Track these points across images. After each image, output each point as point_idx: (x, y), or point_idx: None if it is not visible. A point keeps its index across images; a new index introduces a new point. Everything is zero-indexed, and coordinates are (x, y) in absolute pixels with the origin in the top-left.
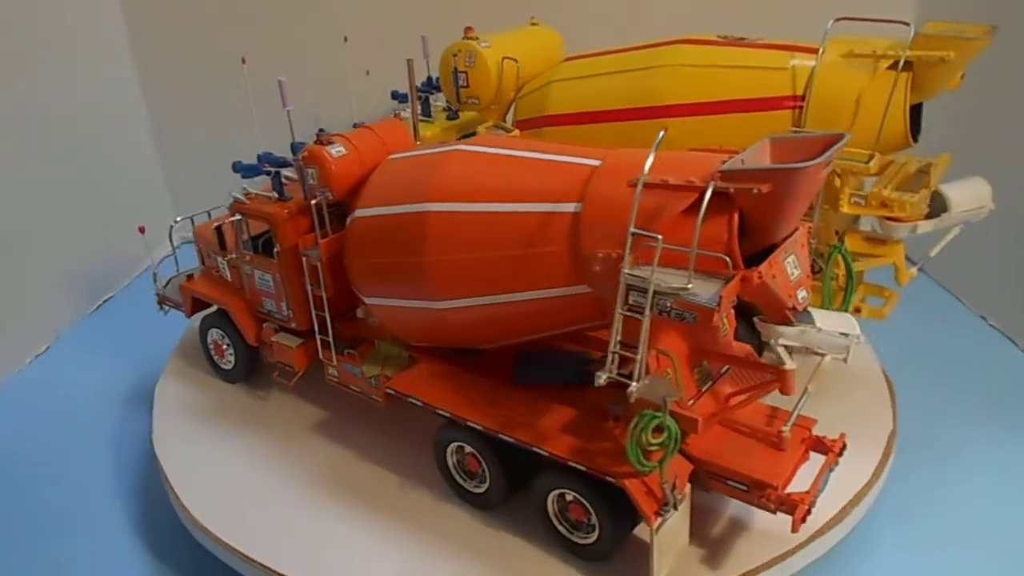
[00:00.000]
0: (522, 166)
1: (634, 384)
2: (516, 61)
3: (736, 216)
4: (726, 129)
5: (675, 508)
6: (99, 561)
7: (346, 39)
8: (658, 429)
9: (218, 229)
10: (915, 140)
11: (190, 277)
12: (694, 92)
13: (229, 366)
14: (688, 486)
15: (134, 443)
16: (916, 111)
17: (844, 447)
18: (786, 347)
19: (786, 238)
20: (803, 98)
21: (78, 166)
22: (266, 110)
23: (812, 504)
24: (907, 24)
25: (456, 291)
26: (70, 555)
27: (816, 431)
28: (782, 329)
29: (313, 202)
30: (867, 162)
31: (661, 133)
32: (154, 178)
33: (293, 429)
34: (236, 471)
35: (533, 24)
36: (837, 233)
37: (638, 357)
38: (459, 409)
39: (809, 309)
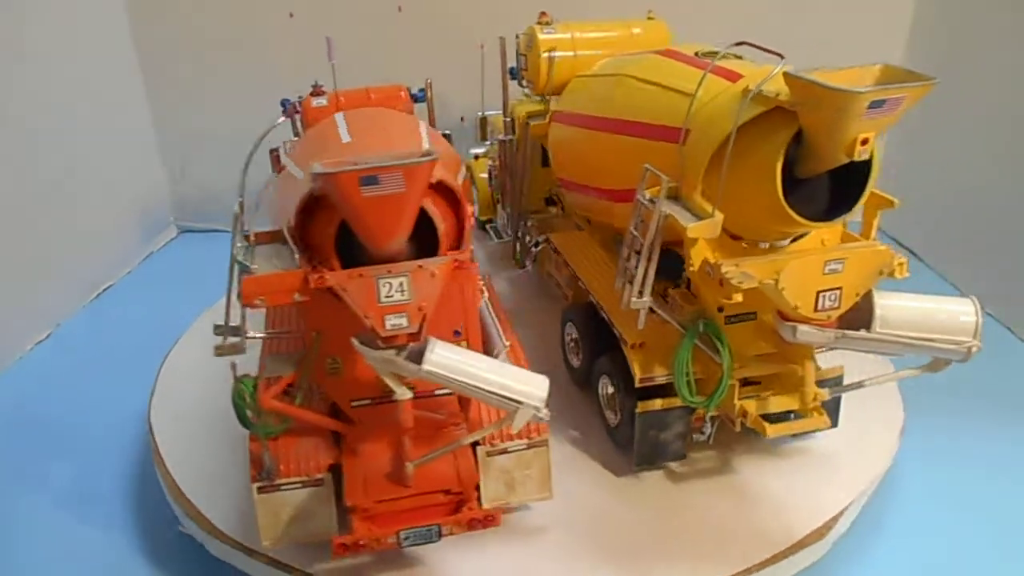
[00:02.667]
0: None
1: None
2: (552, 55)
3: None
4: (621, 152)
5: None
6: (93, 545)
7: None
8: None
9: None
10: (833, 217)
11: None
12: (625, 107)
13: None
14: (327, 475)
15: (134, 430)
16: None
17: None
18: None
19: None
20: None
21: (77, 153)
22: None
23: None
24: (780, 56)
25: None
26: (66, 536)
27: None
28: (364, 349)
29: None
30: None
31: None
32: (152, 164)
33: None
34: (236, 458)
35: (649, 18)
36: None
37: None
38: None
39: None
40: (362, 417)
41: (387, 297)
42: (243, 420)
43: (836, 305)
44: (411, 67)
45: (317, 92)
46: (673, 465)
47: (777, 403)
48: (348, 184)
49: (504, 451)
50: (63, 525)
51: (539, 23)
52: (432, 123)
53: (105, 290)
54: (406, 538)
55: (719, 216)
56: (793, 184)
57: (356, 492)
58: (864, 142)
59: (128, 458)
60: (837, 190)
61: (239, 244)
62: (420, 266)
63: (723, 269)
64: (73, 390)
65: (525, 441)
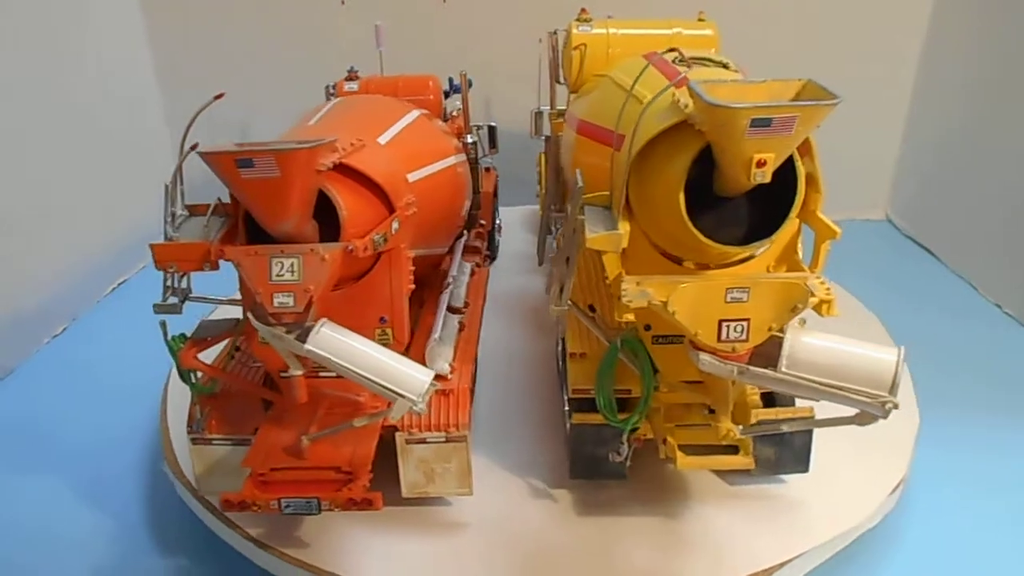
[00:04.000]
0: None
1: None
2: (580, 51)
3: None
4: (589, 156)
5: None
6: (104, 539)
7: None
8: None
9: None
10: (748, 243)
11: None
12: (598, 111)
13: None
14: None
15: (146, 425)
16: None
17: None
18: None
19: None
20: None
21: (91, 148)
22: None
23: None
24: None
25: None
26: (76, 529)
27: None
28: (257, 324)
29: None
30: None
31: None
32: (166, 158)
33: None
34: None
35: (700, 20)
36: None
37: None
38: None
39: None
40: (287, 388)
41: (278, 276)
42: (181, 375)
43: (743, 337)
44: (469, 58)
45: (351, 77)
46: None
47: (695, 435)
48: (225, 166)
49: (422, 441)
50: (73, 519)
51: (578, 19)
52: (466, 115)
53: (121, 284)
54: (287, 506)
55: (623, 229)
56: (714, 204)
57: (255, 456)
58: (761, 164)
59: (141, 453)
60: (764, 214)
61: (180, 212)
62: (312, 250)
63: (622, 285)
64: (88, 384)
65: (443, 434)
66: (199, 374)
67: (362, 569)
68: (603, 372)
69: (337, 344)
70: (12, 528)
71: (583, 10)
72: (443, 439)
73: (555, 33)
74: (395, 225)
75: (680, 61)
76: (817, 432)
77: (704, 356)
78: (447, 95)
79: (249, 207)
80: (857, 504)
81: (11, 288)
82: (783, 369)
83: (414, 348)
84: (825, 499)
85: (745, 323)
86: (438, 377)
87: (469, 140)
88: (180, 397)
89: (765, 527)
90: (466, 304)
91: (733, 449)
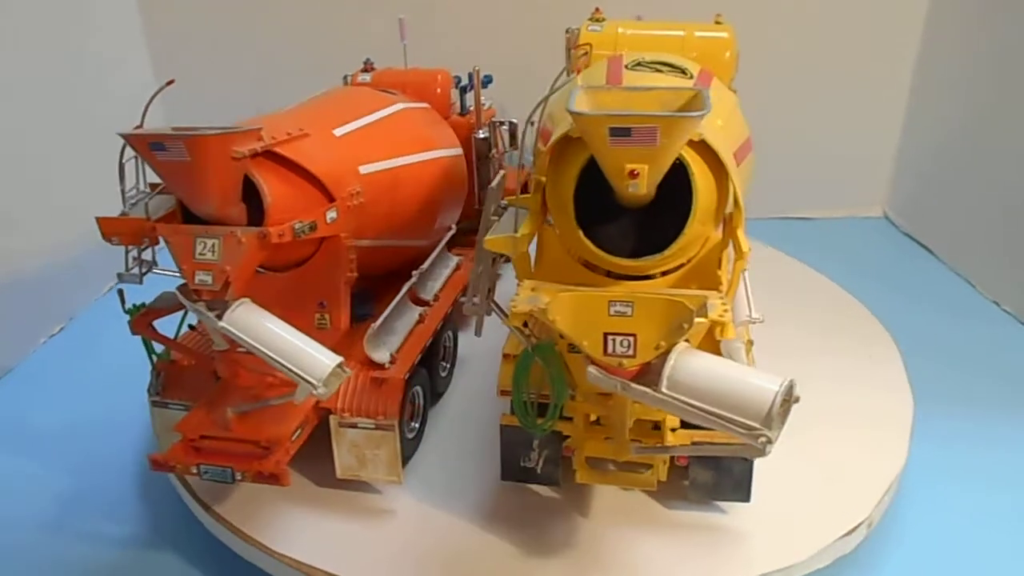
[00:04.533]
0: None
1: None
2: (586, 52)
3: None
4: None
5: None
6: (101, 538)
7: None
8: None
9: None
10: (640, 257)
11: None
12: (548, 112)
13: None
14: None
15: (143, 424)
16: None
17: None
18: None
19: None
20: None
21: (88, 147)
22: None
23: None
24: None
25: None
26: (76, 527)
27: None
28: (183, 299)
29: None
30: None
31: None
32: None
33: None
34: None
35: (717, 22)
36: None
37: None
38: None
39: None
40: (216, 362)
41: (200, 255)
42: (144, 343)
43: (629, 353)
44: (498, 54)
45: (366, 69)
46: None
47: (600, 448)
48: (140, 148)
49: (354, 425)
50: (70, 517)
51: (591, 18)
52: (477, 111)
53: (118, 285)
54: (205, 472)
55: (523, 232)
56: (618, 215)
57: (187, 423)
58: (633, 174)
59: (138, 451)
60: (666, 229)
61: (141, 190)
62: (232, 232)
63: (517, 289)
64: (85, 383)
65: (373, 421)
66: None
67: (288, 541)
68: (518, 376)
69: (250, 323)
70: (10, 524)
71: (596, 9)
72: (373, 426)
73: (569, 31)
74: (331, 214)
75: (637, 65)
76: (789, 455)
77: (591, 368)
78: (464, 91)
79: (170, 188)
80: (801, 543)
81: (9, 288)
82: (663, 389)
83: (361, 336)
84: (767, 533)
85: (631, 338)
86: (375, 366)
87: (481, 135)
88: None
89: (688, 556)
90: (436, 298)
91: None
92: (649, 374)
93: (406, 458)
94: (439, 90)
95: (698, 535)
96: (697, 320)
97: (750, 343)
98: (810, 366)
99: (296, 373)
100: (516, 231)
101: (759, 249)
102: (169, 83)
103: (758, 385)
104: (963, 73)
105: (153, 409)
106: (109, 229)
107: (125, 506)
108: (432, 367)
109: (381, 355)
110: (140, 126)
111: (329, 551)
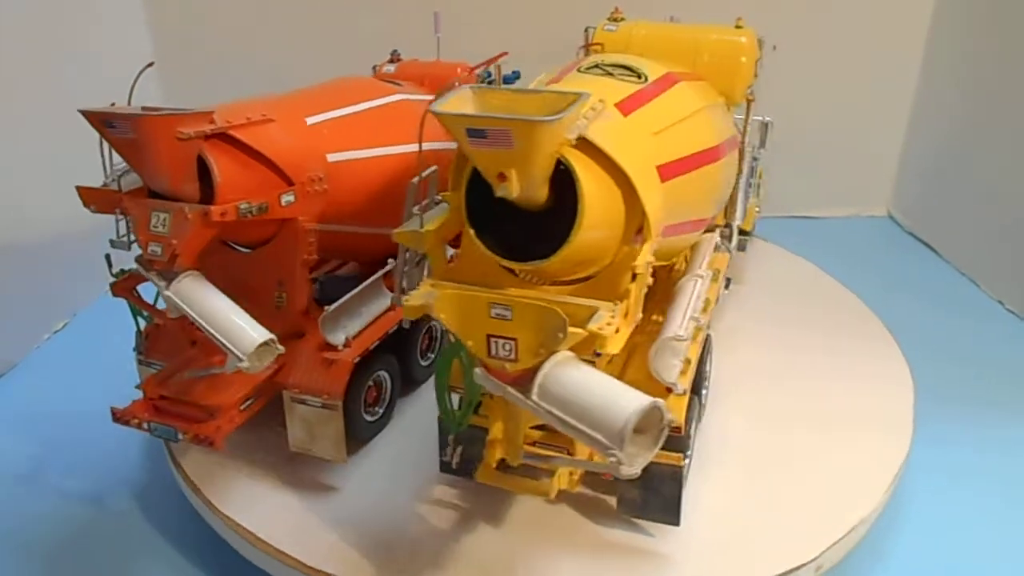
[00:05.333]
0: None
1: None
2: (597, 49)
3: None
4: None
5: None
6: (106, 534)
7: None
8: None
9: None
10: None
11: None
12: None
13: None
14: None
15: None
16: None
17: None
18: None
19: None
20: None
21: (92, 144)
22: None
23: None
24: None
25: None
26: (80, 522)
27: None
28: (140, 268)
29: None
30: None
31: None
32: None
33: None
34: (247, 448)
35: (738, 26)
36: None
37: None
38: None
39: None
40: None
41: (153, 227)
42: (129, 306)
43: (511, 357)
44: (533, 48)
45: (392, 60)
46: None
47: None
48: (95, 124)
49: (303, 401)
50: (74, 512)
51: (609, 18)
52: None
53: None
54: (154, 428)
55: (428, 227)
56: (519, 217)
57: (149, 381)
58: (501, 177)
59: (142, 447)
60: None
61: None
62: (180, 208)
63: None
64: (89, 378)
65: (320, 399)
66: None
67: (237, 504)
68: (440, 369)
69: (191, 295)
70: (14, 519)
71: (616, 9)
72: (319, 404)
73: (588, 31)
74: (288, 198)
75: (592, 67)
76: (788, 453)
77: (477, 369)
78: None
79: (126, 163)
80: (802, 546)
81: (11, 284)
82: (534, 397)
83: None
84: (690, 558)
85: (513, 342)
86: (329, 347)
87: None
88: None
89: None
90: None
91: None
92: (530, 380)
93: (366, 440)
94: (458, 83)
95: (616, 555)
96: (571, 330)
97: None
98: (812, 364)
99: (225, 345)
100: (422, 226)
101: (763, 247)
102: (149, 65)
103: (617, 405)
104: (968, 72)
105: (139, 367)
106: (87, 198)
107: (130, 501)
108: (406, 354)
109: (336, 337)
110: (114, 102)
111: (268, 517)
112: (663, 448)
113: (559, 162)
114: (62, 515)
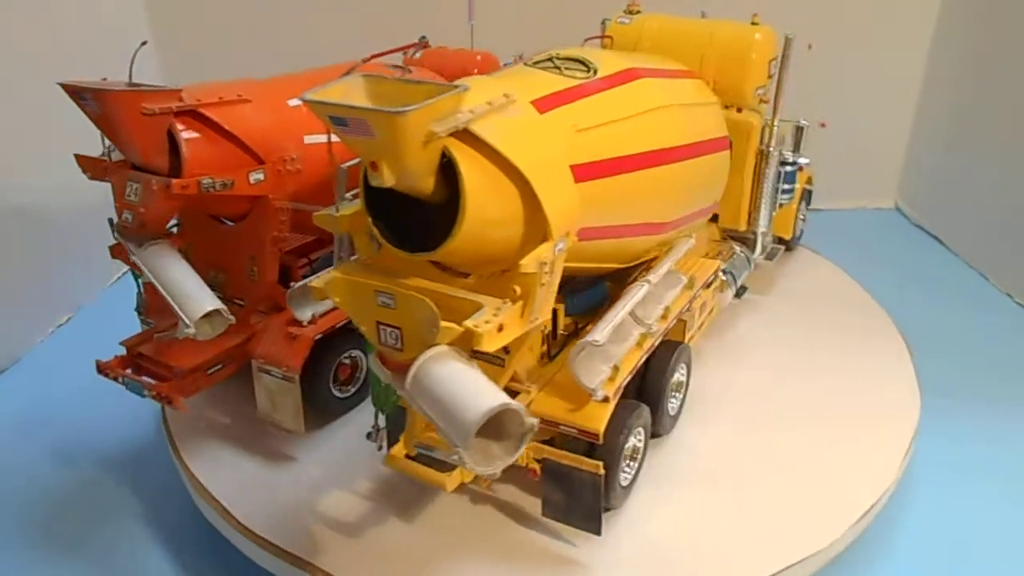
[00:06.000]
0: None
1: None
2: (607, 43)
3: None
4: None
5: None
6: (111, 533)
7: None
8: None
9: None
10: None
11: None
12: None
13: None
14: None
15: (149, 416)
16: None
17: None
18: None
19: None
20: None
21: (93, 138)
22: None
23: None
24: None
25: None
26: (81, 518)
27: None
28: (118, 235)
29: None
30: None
31: None
32: None
33: None
34: (253, 448)
35: (753, 23)
36: None
37: None
38: None
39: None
40: None
41: (127, 196)
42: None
43: (397, 345)
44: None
45: (421, 46)
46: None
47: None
48: (73, 97)
49: (268, 372)
50: (75, 508)
51: (626, 11)
52: None
53: (124, 274)
54: (125, 383)
55: (344, 211)
56: (420, 209)
57: (131, 340)
58: (373, 166)
59: (144, 442)
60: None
61: None
62: (148, 180)
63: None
64: (91, 373)
65: (280, 371)
66: None
67: (206, 467)
68: (369, 350)
69: (154, 261)
70: (17, 515)
71: (632, 2)
72: (280, 375)
73: (604, 23)
74: (257, 176)
75: (544, 61)
76: (791, 448)
77: (372, 355)
78: None
79: (106, 132)
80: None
81: (15, 278)
82: (407, 387)
83: None
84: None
85: (398, 331)
86: (296, 323)
87: None
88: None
89: None
90: None
91: None
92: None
93: (334, 415)
94: (476, 71)
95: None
96: (443, 324)
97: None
98: (818, 358)
99: (176, 310)
100: (338, 211)
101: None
102: (143, 44)
103: (468, 404)
104: (976, 65)
105: (142, 326)
106: (84, 165)
107: (132, 497)
108: None
109: (303, 313)
110: (105, 78)
111: (229, 479)
112: (582, 454)
113: (444, 155)
114: (64, 512)
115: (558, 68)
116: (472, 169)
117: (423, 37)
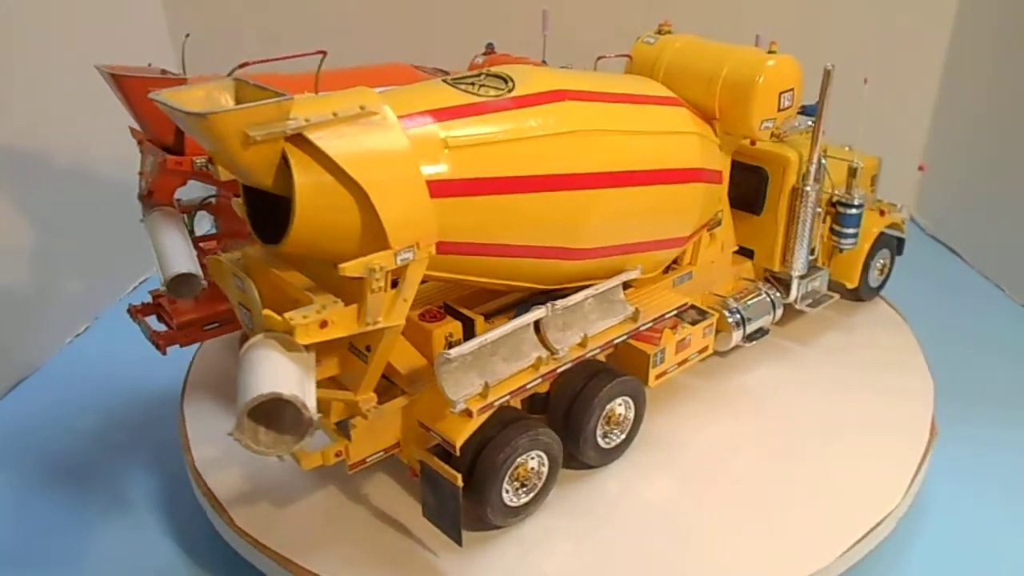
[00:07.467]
0: None
1: None
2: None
3: None
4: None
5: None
6: (125, 538)
7: None
8: None
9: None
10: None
11: None
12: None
13: None
14: None
15: (166, 422)
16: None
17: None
18: None
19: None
20: None
21: (114, 146)
22: None
23: None
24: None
25: None
26: (98, 524)
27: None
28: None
29: None
30: None
31: None
32: None
33: None
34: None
35: (771, 52)
36: None
37: None
38: None
39: None
40: None
41: (145, 167)
42: None
43: (250, 325)
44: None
45: (486, 52)
46: None
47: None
48: (107, 80)
49: None
50: (92, 514)
51: (657, 31)
52: None
53: (143, 282)
54: (139, 324)
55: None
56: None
57: (156, 291)
58: (210, 160)
59: (160, 449)
60: None
61: None
62: (156, 153)
63: None
64: (110, 381)
65: None
66: None
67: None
68: None
69: (154, 226)
70: (34, 519)
71: (664, 23)
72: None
73: (638, 40)
74: None
75: (479, 74)
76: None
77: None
78: None
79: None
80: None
81: (35, 288)
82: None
83: None
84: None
85: (249, 313)
86: None
87: None
88: (199, 394)
89: None
90: None
91: None
92: None
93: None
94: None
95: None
96: (264, 312)
97: None
98: (831, 369)
99: (159, 270)
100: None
101: None
102: (187, 36)
103: (249, 388)
104: (992, 75)
105: None
106: (134, 134)
107: (147, 505)
108: None
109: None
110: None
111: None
112: (443, 460)
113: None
114: (81, 520)
115: (473, 84)
116: (305, 173)
117: (489, 44)
